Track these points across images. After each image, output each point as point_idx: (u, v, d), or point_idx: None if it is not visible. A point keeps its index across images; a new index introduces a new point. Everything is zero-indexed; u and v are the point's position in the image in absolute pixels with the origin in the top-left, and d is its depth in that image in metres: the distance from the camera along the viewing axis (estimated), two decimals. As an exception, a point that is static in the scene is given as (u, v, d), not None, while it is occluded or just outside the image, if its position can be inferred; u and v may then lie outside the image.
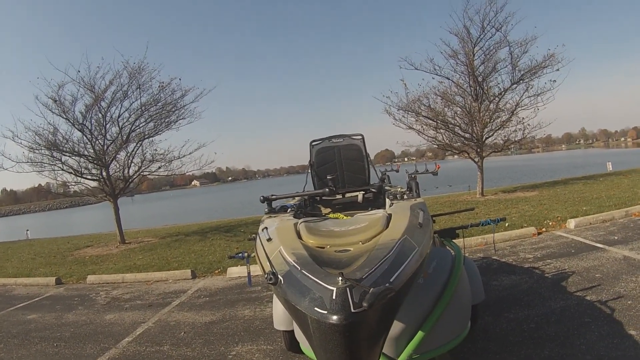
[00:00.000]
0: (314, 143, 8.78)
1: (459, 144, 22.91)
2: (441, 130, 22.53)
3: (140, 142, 20.76)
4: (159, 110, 20.74)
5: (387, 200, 6.26)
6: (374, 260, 3.32)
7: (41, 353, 7.27)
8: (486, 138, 22.04)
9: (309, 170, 8.71)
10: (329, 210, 7.81)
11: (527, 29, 34.75)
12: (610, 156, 51.50)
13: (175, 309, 8.97)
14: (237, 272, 11.20)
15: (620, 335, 5.25)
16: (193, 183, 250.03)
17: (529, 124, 21.70)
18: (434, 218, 6.92)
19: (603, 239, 10.08)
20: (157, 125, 20.85)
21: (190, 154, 21.08)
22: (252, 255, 5.81)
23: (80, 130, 19.47)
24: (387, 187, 7.61)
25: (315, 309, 2.83)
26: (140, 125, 20.62)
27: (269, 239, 4.39)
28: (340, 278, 2.84)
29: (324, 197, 7.99)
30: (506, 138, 22.42)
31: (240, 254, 6.33)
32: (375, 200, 7.70)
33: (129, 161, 20.75)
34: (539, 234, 11.53)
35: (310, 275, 3.16)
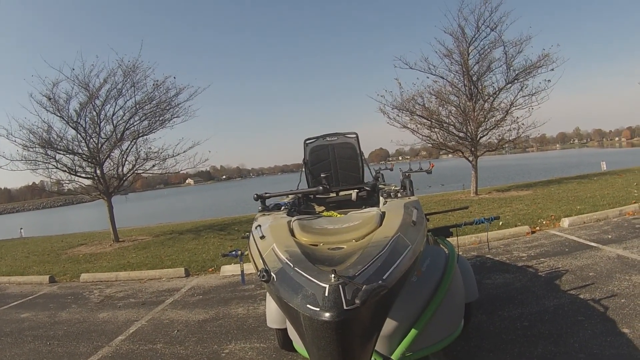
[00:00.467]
0: (308, 141, 8.78)
1: (453, 143, 22.89)
2: (435, 129, 22.50)
3: (134, 140, 20.71)
4: (154, 108, 20.70)
5: (381, 198, 6.25)
6: (367, 257, 3.33)
7: (34, 352, 7.25)
8: (480, 137, 22.05)
9: (303, 169, 8.71)
10: (322, 208, 7.81)
11: (522, 29, 34.64)
12: (605, 156, 51.65)
13: (169, 307, 8.96)
14: (230, 270, 11.20)
15: (613, 334, 5.26)
16: (187, 181, 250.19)
17: (523, 124, 21.70)
18: (427, 217, 6.91)
19: (597, 238, 10.10)
20: (151, 124, 20.81)
21: (184, 152, 21.07)
22: (246, 253, 5.80)
23: (74, 129, 19.43)
24: (381, 186, 7.61)
25: (308, 306, 2.83)
26: (135, 123, 20.58)
27: (262, 237, 4.38)
28: (333, 275, 2.84)
29: (317, 195, 7.98)
30: (500, 137, 22.38)
31: (233, 252, 6.31)
32: (369, 199, 7.70)
33: (123, 159, 20.70)
34: (533, 232, 11.57)
35: (303, 273, 3.16)
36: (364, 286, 2.77)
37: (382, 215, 4.63)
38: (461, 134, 21.98)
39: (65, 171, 19.69)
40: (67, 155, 19.58)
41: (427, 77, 22.51)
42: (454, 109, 22.34)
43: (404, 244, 3.74)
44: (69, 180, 20.78)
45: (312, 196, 8.07)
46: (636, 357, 4.70)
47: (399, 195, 5.97)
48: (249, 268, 8.30)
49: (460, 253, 6.28)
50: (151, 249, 16.34)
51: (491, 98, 21.86)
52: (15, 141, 18.77)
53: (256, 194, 6.26)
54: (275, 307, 5.15)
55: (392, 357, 4.14)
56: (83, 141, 19.66)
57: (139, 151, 20.98)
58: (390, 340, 4.11)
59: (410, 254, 3.67)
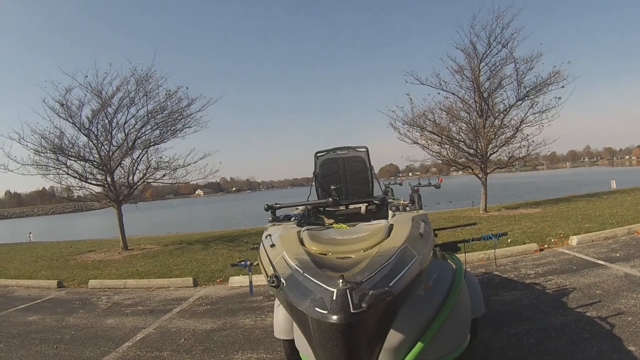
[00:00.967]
0: (318, 154, 8.81)
1: (463, 159, 22.85)
2: (446, 146, 22.46)
3: (145, 149, 20.78)
4: (165, 118, 20.77)
5: (389, 212, 6.28)
6: (375, 265, 3.41)
7: (41, 354, 7.30)
8: (490, 154, 22.00)
9: (313, 181, 8.74)
10: (332, 221, 7.80)
11: (533, 46, 34.58)
12: (615, 174, 51.53)
13: (176, 316, 8.98)
14: (238, 281, 11.21)
15: (619, 351, 5.25)
16: (197, 192, 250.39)
17: (533, 141, 21.61)
18: (436, 232, 6.94)
19: (605, 256, 10.09)
20: (162, 133, 20.87)
21: (195, 162, 21.09)
22: (255, 264, 5.84)
23: (86, 135, 19.53)
24: (390, 200, 7.63)
25: (316, 309, 2.91)
26: (146, 132, 20.65)
27: (273, 245, 4.46)
28: (341, 280, 2.92)
29: (327, 208, 8.02)
30: (510, 154, 22.34)
31: (242, 263, 6.36)
32: (378, 212, 7.70)
33: (134, 168, 20.79)
34: (541, 250, 11.53)
35: (312, 278, 3.25)
36: (371, 291, 2.85)
37: (390, 228, 4.68)
38: (471, 151, 21.96)
39: (76, 177, 19.74)
40: (79, 162, 19.68)
41: (438, 93, 22.53)
42: (465, 125, 22.32)
43: (411, 254, 3.81)
44: (79, 187, 20.88)
45: (321, 209, 8.11)
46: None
47: (408, 209, 6.01)
48: (257, 280, 8.37)
49: (468, 269, 6.29)
50: (160, 258, 16.35)
51: (502, 115, 21.84)
52: (27, 146, 18.90)
53: (267, 205, 6.32)
54: (283, 318, 5.17)
55: None
56: (94, 148, 19.75)
57: (150, 160, 21.07)
58: (397, 352, 4.12)
59: (417, 264, 3.73)
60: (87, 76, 19.07)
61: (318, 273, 3.34)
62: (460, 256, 6.52)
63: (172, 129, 20.94)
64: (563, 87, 20.56)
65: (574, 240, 11.86)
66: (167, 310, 9.51)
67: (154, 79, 20.18)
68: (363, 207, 7.99)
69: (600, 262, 9.66)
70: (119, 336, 7.94)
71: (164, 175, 21.14)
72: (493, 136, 21.52)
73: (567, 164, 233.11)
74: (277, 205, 6.41)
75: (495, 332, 6.26)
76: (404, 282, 3.33)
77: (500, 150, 22.23)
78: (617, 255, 10.10)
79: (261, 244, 4.89)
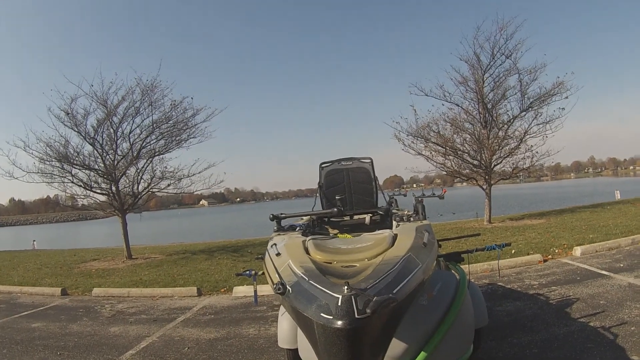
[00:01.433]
0: (323, 165, 8.86)
1: (467, 170, 22.83)
2: (450, 157, 22.48)
3: (150, 159, 20.88)
4: (170, 128, 20.85)
5: (393, 222, 6.31)
6: (379, 273, 3.48)
7: (44, 361, 7.31)
8: (495, 165, 22.03)
9: (318, 192, 8.77)
10: (336, 231, 7.83)
11: (536, 57, 34.57)
12: (619, 185, 51.57)
13: (180, 325, 8.99)
14: (242, 291, 11.22)
15: (622, 362, 5.25)
16: (201, 202, 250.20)
17: (537, 152, 21.64)
18: (440, 242, 6.96)
19: (608, 267, 10.10)
20: (167, 143, 20.95)
21: (199, 173, 21.16)
22: (260, 273, 5.88)
23: (91, 144, 19.62)
24: (394, 210, 7.65)
25: (322, 314, 2.98)
26: (151, 142, 20.73)
27: (278, 254, 4.53)
28: (345, 287, 2.99)
29: (332, 219, 8.05)
30: (514, 165, 22.35)
31: (247, 272, 6.44)
32: (383, 223, 7.71)
33: (139, 177, 20.85)
34: (545, 261, 11.53)
35: (317, 285, 3.32)
36: (375, 297, 2.92)
37: (394, 237, 4.73)
38: (475, 162, 21.98)
39: (80, 186, 19.82)
40: (83, 171, 19.76)
41: (442, 104, 22.64)
42: (469, 136, 22.37)
43: (415, 263, 3.87)
44: (84, 195, 20.91)
45: (326, 219, 8.14)
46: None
47: (412, 219, 6.05)
48: (261, 290, 8.39)
49: (471, 280, 6.31)
50: (164, 267, 16.37)
51: (506, 126, 21.87)
52: (32, 153, 18.97)
53: (272, 215, 6.40)
54: (287, 327, 5.18)
55: None
56: (99, 157, 19.86)
57: (155, 170, 21.15)
58: None
59: (420, 272, 3.80)
60: (92, 85, 19.22)
61: (323, 280, 3.42)
62: (464, 267, 6.53)
63: (177, 139, 21.02)
64: (567, 97, 20.62)
65: (577, 250, 11.86)
66: (171, 319, 9.52)
67: (159, 89, 20.33)
68: (367, 217, 8.00)
69: (603, 272, 9.67)
70: (122, 344, 7.96)
71: (168, 185, 21.22)
72: (497, 147, 21.57)
73: (572, 174, 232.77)
74: (283, 215, 6.48)
75: (498, 342, 6.26)
76: (407, 289, 3.40)
77: (504, 161, 22.27)
78: (621, 265, 10.11)
79: (267, 253, 4.96)
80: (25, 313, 10.98)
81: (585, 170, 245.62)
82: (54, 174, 19.53)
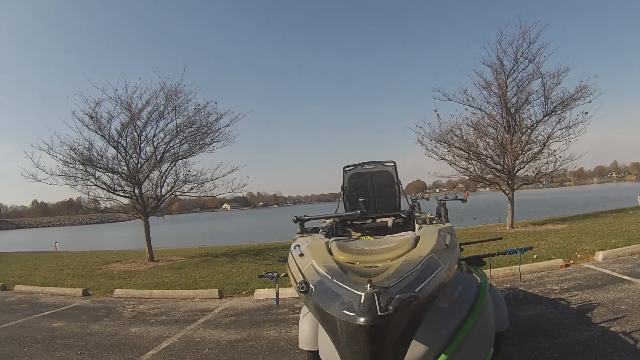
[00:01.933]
0: (347, 169, 8.87)
1: (490, 175, 22.80)
2: (473, 162, 22.48)
3: (174, 163, 21.04)
4: (194, 132, 21.03)
5: (416, 225, 6.30)
6: (401, 272, 3.50)
7: (65, 359, 7.38)
8: (517, 170, 21.93)
9: (341, 196, 8.78)
10: (359, 234, 7.84)
11: (559, 60, 34.27)
12: (641, 190, 50.99)
13: (201, 326, 9.01)
14: (264, 293, 11.22)
15: (644, 367, 5.19)
16: (224, 206, 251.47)
17: (560, 156, 21.56)
18: (462, 246, 6.93)
19: (630, 272, 9.98)
20: (191, 147, 21.12)
21: (223, 176, 21.29)
22: (282, 275, 5.89)
23: (115, 148, 19.84)
24: (416, 214, 7.65)
25: (345, 312, 3.00)
26: (175, 146, 20.93)
27: (301, 255, 4.58)
28: (368, 285, 3.01)
29: (354, 221, 8.07)
30: (537, 170, 22.26)
31: (269, 274, 6.47)
32: (405, 226, 7.70)
33: (162, 180, 21.04)
34: (567, 265, 11.42)
35: (340, 283, 3.35)
36: (397, 295, 2.95)
37: (417, 239, 4.73)
38: (498, 167, 21.89)
39: (104, 189, 20.05)
40: (107, 174, 20.00)
41: (466, 109, 22.50)
42: (492, 141, 22.30)
43: (437, 263, 3.89)
44: (107, 198, 21.09)
45: (349, 222, 8.16)
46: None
47: (434, 222, 6.04)
48: (283, 293, 8.40)
49: (492, 284, 6.27)
50: (186, 270, 16.47)
51: (529, 130, 21.77)
52: (56, 156, 19.18)
53: (295, 217, 6.45)
54: (308, 329, 5.17)
55: None
56: (123, 161, 20.08)
57: (178, 173, 21.32)
58: None
59: (442, 273, 3.81)
60: (116, 90, 19.43)
61: (346, 279, 3.45)
62: (486, 270, 6.50)
63: (200, 143, 21.21)
64: (590, 102, 20.48)
65: (599, 255, 11.74)
66: (192, 320, 9.55)
67: (183, 93, 20.55)
68: (390, 220, 8.01)
69: (625, 277, 9.56)
70: (143, 344, 7.99)
71: (191, 189, 21.42)
72: (520, 152, 21.48)
73: (595, 179, 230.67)
74: (306, 217, 6.52)
75: (519, 347, 6.21)
76: (429, 288, 3.42)
77: (527, 166, 22.18)
78: (643, 271, 9.98)
79: (290, 254, 5.00)
80: (47, 313, 11.07)
81: (609, 175, 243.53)
82: (78, 177, 19.82)
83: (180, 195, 22.12)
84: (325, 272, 3.71)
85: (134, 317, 10.21)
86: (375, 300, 2.90)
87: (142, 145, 20.44)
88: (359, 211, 6.78)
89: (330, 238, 5.59)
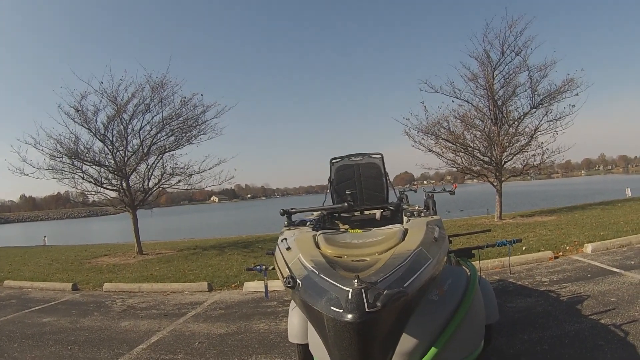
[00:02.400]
0: (334, 161, 8.84)
1: (478, 167, 22.88)
2: (460, 154, 22.54)
3: (160, 155, 21.04)
4: (180, 124, 21.03)
5: (404, 217, 6.31)
6: (389, 267, 3.46)
7: (55, 355, 7.35)
8: (505, 162, 22.03)
9: (329, 188, 8.77)
10: (347, 226, 7.84)
11: (546, 53, 34.29)
12: (630, 182, 51.26)
13: (191, 320, 9.01)
14: (253, 286, 11.24)
15: (633, 358, 5.23)
16: (212, 198, 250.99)
17: (547, 149, 21.63)
18: (450, 239, 6.95)
19: (619, 264, 10.04)
20: (177, 140, 21.15)
21: (210, 169, 21.34)
22: (270, 268, 5.89)
23: (101, 141, 19.82)
24: (404, 206, 7.65)
25: (332, 308, 2.96)
26: (161, 138, 20.95)
27: (288, 248, 4.52)
28: (356, 280, 2.97)
29: (342, 214, 8.07)
30: (525, 162, 22.34)
31: (257, 267, 6.43)
32: (393, 218, 7.71)
33: (149, 173, 21.03)
34: (556, 258, 11.48)
35: (327, 279, 3.30)
36: (386, 291, 2.92)
37: (405, 232, 4.72)
38: (486, 159, 21.97)
39: (91, 182, 20.04)
40: (94, 167, 19.99)
41: (453, 101, 22.55)
42: (479, 133, 22.37)
43: (426, 257, 3.86)
44: (94, 192, 21.11)
45: (337, 214, 8.15)
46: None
47: (422, 214, 6.05)
48: (272, 285, 8.40)
49: (482, 276, 6.30)
50: (175, 263, 16.47)
51: (516, 123, 21.86)
52: (42, 150, 19.15)
53: (282, 209, 6.43)
54: (297, 322, 5.18)
55: None
56: (110, 154, 20.08)
57: (165, 166, 21.37)
58: (410, 357, 4.12)
59: (431, 267, 3.77)
60: (102, 82, 19.41)
61: (333, 274, 3.40)
62: (475, 263, 6.52)
63: (187, 135, 21.22)
64: (577, 94, 20.56)
65: (588, 247, 11.79)
66: (181, 314, 9.55)
67: (169, 85, 20.51)
68: (378, 213, 8.01)
69: (614, 269, 9.60)
70: (133, 339, 7.99)
71: (179, 181, 21.43)
72: (507, 144, 21.54)
73: (582, 172, 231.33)
74: (293, 210, 6.50)
75: (509, 339, 6.24)
76: (418, 283, 3.38)
77: (514, 158, 22.30)
78: (632, 262, 10.04)
79: (277, 248, 4.96)
80: (36, 308, 11.03)
81: (596, 168, 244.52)
82: (65, 171, 19.82)
83: (168, 188, 22.13)
84: (312, 266, 3.67)
85: (124, 311, 10.19)
86: (363, 297, 2.87)
87: (129, 138, 20.45)
88: (346, 204, 6.79)
89: (317, 231, 5.57)
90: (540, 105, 21.28)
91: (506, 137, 21.54)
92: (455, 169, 24.28)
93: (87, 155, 19.58)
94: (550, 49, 24.15)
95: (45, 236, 39.20)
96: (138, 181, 20.95)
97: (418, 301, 3.45)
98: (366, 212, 8.20)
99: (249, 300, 10.33)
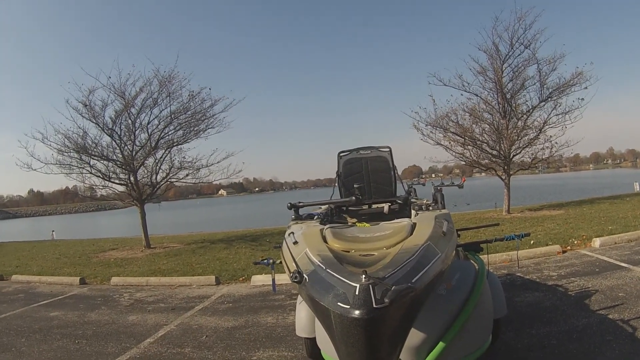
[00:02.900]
0: (341, 154, 8.79)
1: (486, 160, 22.75)
2: (469, 147, 22.45)
3: (168, 149, 21.02)
4: (188, 118, 21.00)
5: (412, 211, 6.27)
6: (397, 262, 3.41)
7: (62, 349, 7.36)
8: (513, 155, 21.90)
9: (337, 181, 8.73)
10: (355, 220, 7.80)
11: (555, 47, 34.07)
12: (638, 176, 50.99)
13: (198, 313, 9.01)
14: (261, 280, 11.22)
15: (642, 354, 5.19)
16: (220, 192, 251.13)
17: (556, 142, 21.49)
18: (459, 232, 6.91)
19: (628, 258, 9.95)
20: (185, 134, 21.12)
21: (218, 162, 21.32)
22: (278, 262, 5.87)
23: (109, 135, 19.80)
24: (412, 200, 7.61)
25: (339, 304, 2.92)
26: (169, 132, 20.90)
27: (295, 242, 4.49)
28: (363, 276, 2.92)
29: (350, 208, 8.03)
30: (533, 156, 22.23)
31: (265, 261, 6.39)
32: (401, 212, 7.66)
33: (157, 167, 21.04)
34: (564, 252, 11.41)
35: (334, 274, 3.26)
36: (394, 287, 2.88)
37: (413, 226, 4.68)
38: (494, 152, 21.84)
39: (99, 177, 20.02)
40: (102, 161, 19.98)
41: (461, 94, 22.43)
42: (488, 126, 22.25)
43: (434, 252, 3.81)
44: (102, 186, 21.14)
45: (344, 208, 8.12)
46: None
47: (430, 208, 6.00)
48: (280, 278, 8.37)
49: (490, 270, 6.26)
50: (182, 257, 16.49)
51: (525, 116, 21.71)
52: (50, 145, 19.17)
53: (290, 203, 6.37)
54: (305, 316, 5.17)
55: None
56: (118, 148, 20.06)
57: (173, 160, 21.36)
58: (418, 351, 4.10)
59: (440, 262, 3.73)
60: (110, 77, 19.38)
61: (341, 269, 3.36)
62: (483, 257, 6.48)
63: (195, 129, 21.20)
64: (586, 88, 20.38)
65: (596, 242, 11.72)
66: (189, 307, 9.55)
67: (177, 79, 20.46)
68: (386, 206, 7.96)
69: (623, 264, 9.53)
70: (140, 332, 7.99)
71: (187, 175, 21.40)
72: (516, 137, 21.42)
73: (590, 165, 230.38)
74: (301, 204, 6.45)
75: (517, 333, 6.21)
76: (426, 278, 3.33)
77: (523, 151, 22.17)
78: (640, 257, 9.98)
79: (284, 242, 4.94)
80: (44, 302, 11.06)
81: (605, 162, 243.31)
82: (72, 165, 19.79)
83: (176, 181, 22.13)
84: (319, 261, 3.62)
85: (131, 305, 10.21)
86: (370, 292, 2.83)
87: (137, 132, 20.44)
88: (354, 197, 6.75)
89: (325, 225, 5.54)
90: (549, 99, 21.13)
91: (515, 131, 21.42)
92: (463, 162, 24.17)
93: (95, 149, 19.57)
94: (559, 42, 24.12)
95: (53, 231, 39.42)
96: (146, 175, 20.97)
97: (426, 296, 3.40)
98: (374, 206, 8.16)
99: (256, 293, 10.32)
